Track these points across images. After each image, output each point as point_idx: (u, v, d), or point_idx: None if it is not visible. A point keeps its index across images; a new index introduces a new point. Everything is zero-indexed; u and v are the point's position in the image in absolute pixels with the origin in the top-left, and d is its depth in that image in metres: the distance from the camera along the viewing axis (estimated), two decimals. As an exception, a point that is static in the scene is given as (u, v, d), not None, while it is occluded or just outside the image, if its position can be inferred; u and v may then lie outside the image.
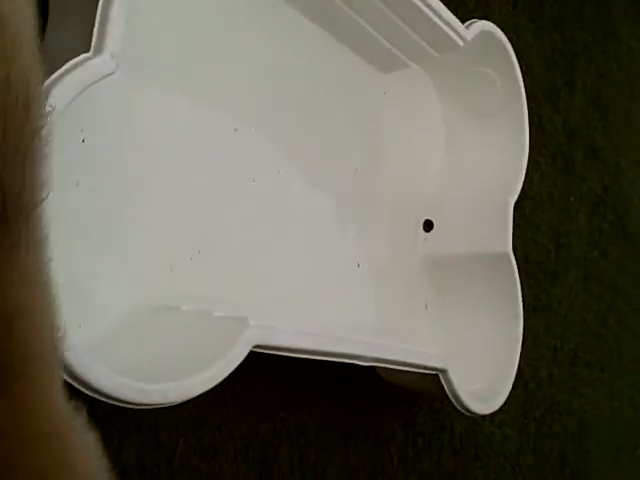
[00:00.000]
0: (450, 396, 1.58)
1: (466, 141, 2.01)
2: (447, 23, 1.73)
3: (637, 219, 3.43)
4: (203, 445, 1.33)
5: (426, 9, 1.66)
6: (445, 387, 1.56)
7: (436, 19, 1.70)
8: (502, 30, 2.11)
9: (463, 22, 1.88)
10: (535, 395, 2.38)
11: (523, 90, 1.98)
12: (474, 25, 1.82)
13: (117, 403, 0.95)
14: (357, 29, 1.69)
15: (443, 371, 1.54)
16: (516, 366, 1.76)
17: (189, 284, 1.35)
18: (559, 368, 2.56)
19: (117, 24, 1.03)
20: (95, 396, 0.93)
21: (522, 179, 1.92)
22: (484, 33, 1.86)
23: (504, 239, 1.84)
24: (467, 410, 1.62)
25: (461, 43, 1.78)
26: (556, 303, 2.58)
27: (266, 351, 1.16)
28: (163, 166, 1.33)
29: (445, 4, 2.25)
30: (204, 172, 1.41)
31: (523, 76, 2.05)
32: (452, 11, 2.10)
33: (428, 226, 1.94)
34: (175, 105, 1.36)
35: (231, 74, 1.50)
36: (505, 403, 1.75)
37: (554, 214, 2.64)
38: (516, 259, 2.12)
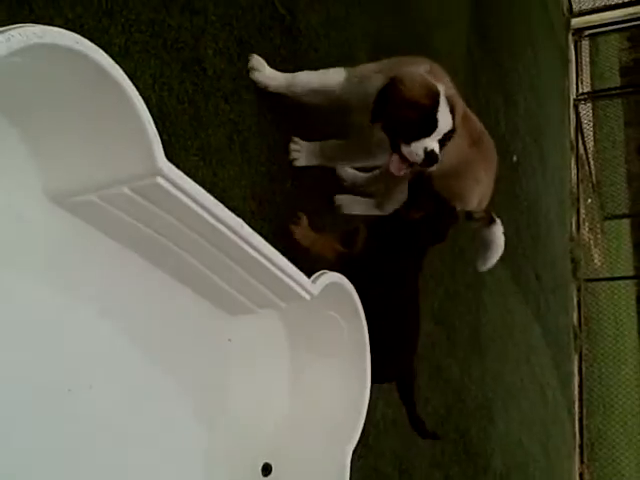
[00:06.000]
0: None
1: (310, 383, 2.04)
2: (292, 278, 1.77)
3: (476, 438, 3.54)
4: None
5: (270, 265, 1.70)
6: None
7: (280, 274, 1.73)
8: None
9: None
10: None
11: (367, 333, 2.05)
12: (320, 279, 1.87)
13: None
14: (201, 275, 1.72)
15: None
16: None
17: None
18: None
19: None
20: None
21: (361, 426, 1.96)
22: (330, 285, 1.92)
23: (342, 491, 1.84)
24: None
25: (308, 297, 1.82)
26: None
27: None
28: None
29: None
30: (29, 438, 1.36)
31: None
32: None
33: (266, 470, 1.92)
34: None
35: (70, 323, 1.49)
36: None
37: (397, 441, 2.69)
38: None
